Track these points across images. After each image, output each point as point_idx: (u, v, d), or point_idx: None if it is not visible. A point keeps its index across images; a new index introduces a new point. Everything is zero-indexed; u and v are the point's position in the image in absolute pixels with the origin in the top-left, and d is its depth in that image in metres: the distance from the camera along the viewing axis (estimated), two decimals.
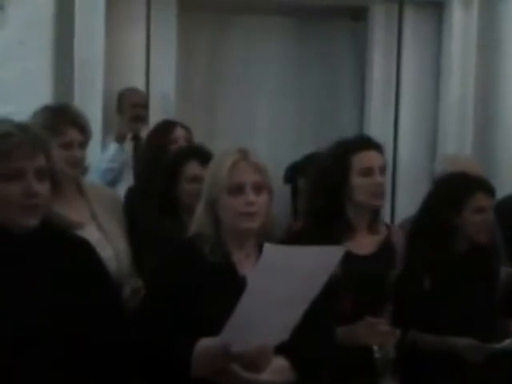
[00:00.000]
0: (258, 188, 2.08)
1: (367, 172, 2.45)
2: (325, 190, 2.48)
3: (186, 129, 3.57)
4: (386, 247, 2.53)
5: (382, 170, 2.48)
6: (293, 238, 2.28)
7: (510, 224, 3.22)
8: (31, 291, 1.77)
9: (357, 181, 2.45)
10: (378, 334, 2.36)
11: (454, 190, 2.71)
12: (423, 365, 2.60)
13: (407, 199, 4.49)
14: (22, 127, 1.84)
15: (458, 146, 4.86)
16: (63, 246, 1.88)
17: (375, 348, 2.37)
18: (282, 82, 5.22)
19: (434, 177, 3.59)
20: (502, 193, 4.08)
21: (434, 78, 5.08)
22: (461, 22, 4.88)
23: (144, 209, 2.91)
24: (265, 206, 2.09)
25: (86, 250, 1.94)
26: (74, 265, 1.85)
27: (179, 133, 3.48)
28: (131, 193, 3.33)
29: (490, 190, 2.72)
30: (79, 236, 1.99)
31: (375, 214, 2.54)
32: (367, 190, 2.44)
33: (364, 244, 2.49)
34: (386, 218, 4.75)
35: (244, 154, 2.09)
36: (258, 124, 5.19)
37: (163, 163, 3.00)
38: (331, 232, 2.40)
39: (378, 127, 5.01)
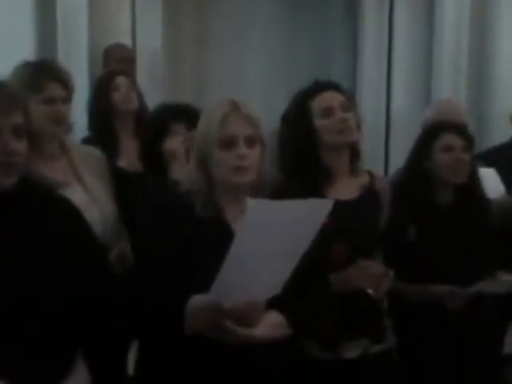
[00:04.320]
0: (251, 141, 2.03)
1: (327, 112, 2.42)
2: (294, 141, 2.45)
3: (128, 76, 3.64)
4: (369, 192, 2.51)
5: (345, 106, 2.44)
6: (274, 192, 2.24)
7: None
8: (14, 250, 1.75)
9: (319, 123, 2.42)
10: (372, 277, 2.34)
11: (423, 136, 2.81)
12: (411, 314, 2.64)
13: (401, 151, 4.45)
14: None
15: (451, 95, 4.81)
16: (44, 205, 1.85)
17: (370, 291, 2.34)
18: (274, 32, 5.17)
19: (423, 124, 3.60)
20: (493, 142, 4.11)
21: (427, 27, 5.03)
22: None
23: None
24: (258, 160, 2.05)
25: (68, 209, 1.91)
26: (56, 224, 1.83)
27: (120, 80, 3.53)
28: (87, 143, 3.31)
29: (456, 130, 2.76)
30: (60, 195, 1.95)
31: (353, 154, 2.51)
32: (332, 130, 2.41)
33: (346, 189, 2.47)
34: (380, 168, 4.76)
35: (235, 106, 2.04)
36: (249, 78, 5.13)
37: (148, 122, 2.98)
38: (310, 181, 2.39)
39: (371, 79, 4.97)
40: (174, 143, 2.68)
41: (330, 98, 2.44)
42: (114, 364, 2.39)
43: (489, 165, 3.21)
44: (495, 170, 3.29)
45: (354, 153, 2.50)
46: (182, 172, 2.49)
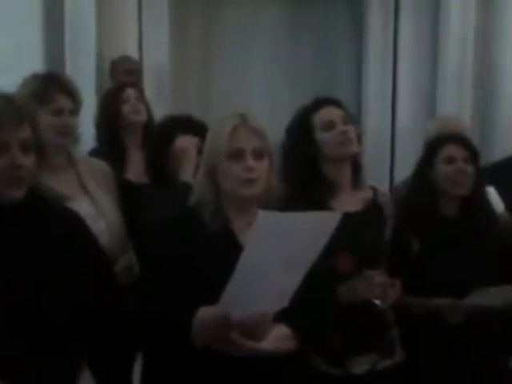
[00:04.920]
0: (259, 154, 2.05)
1: (328, 126, 2.47)
2: (296, 155, 2.49)
3: (137, 88, 3.65)
4: (373, 205, 2.54)
5: (345, 120, 2.49)
6: (277, 205, 2.27)
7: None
8: (20, 258, 1.77)
9: (321, 137, 2.47)
10: (377, 286, 2.35)
11: (427, 147, 2.83)
12: (414, 326, 2.61)
13: (406, 165, 4.46)
14: (6, 98, 1.83)
15: (456, 109, 4.83)
16: (50, 216, 1.87)
17: (376, 301, 2.34)
18: (278, 47, 5.18)
19: (425, 138, 3.62)
20: (499, 154, 4.10)
21: (432, 39, 5.04)
22: None
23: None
24: (266, 172, 2.07)
25: (74, 221, 1.93)
26: (63, 236, 1.85)
27: (129, 92, 3.54)
28: (94, 155, 3.30)
29: (460, 142, 2.76)
30: (66, 207, 1.97)
31: (355, 167, 2.54)
32: (333, 142, 2.46)
33: (349, 201, 2.49)
34: (385, 181, 4.76)
35: (244, 119, 2.06)
36: (254, 92, 5.13)
37: (153, 133, 2.98)
38: (313, 194, 2.42)
39: (376, 93, 4.98)
40: (186, 142, 2.67)
41: (331, 112, 2.49)
42: (120, 374, 2.40)
43: (491, 182, 3.16)
44: (497, 186, 3.26)
45: (356, 166, 2.54)
46: (192, 174, 2.49)
